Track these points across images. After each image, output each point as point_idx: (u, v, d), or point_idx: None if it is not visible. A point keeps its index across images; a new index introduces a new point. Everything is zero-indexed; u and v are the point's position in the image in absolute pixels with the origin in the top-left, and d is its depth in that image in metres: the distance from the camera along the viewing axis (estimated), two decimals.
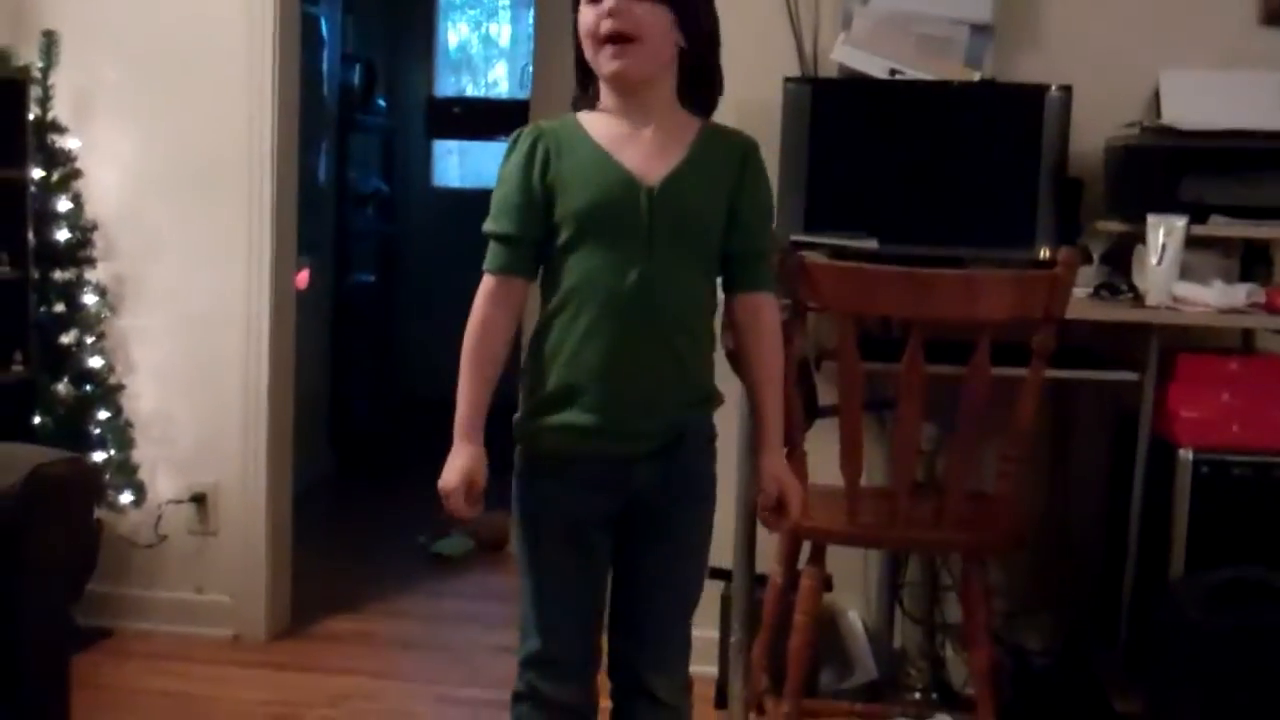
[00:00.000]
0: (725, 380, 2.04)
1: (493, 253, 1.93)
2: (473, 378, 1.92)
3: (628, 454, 1.91)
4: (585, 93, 1.94)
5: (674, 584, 2.00)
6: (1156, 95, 2.98)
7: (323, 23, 5.08)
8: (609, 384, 1.87)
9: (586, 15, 1.86)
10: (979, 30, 3.01)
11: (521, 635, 1.99)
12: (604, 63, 1.86)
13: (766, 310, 1.99)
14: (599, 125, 1.91)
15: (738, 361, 2.02)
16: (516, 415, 1.97)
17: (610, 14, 1.82)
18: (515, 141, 1.92)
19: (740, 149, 1.95)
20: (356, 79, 5.54)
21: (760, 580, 2.82)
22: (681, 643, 2.02)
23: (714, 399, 2.00)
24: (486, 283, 1.93)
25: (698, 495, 2.00)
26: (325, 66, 5.17)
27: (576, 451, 1.91)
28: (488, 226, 1.93)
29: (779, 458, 2.03)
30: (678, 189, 1.88)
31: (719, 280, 1.98)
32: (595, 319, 1.86)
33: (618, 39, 1.83)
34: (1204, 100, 2.90)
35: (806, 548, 2.56)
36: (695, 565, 2.03)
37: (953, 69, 2.98)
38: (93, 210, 3.39)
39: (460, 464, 1.91)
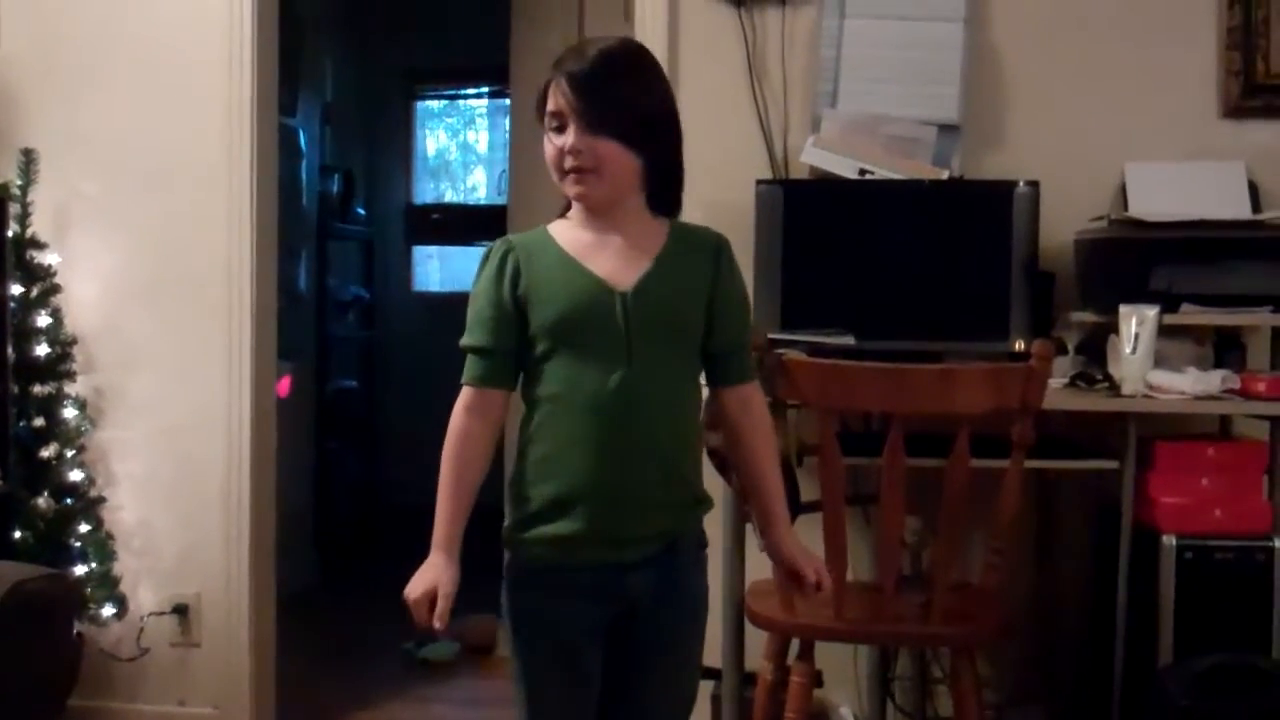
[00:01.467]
0: (709, 482, 2.04)
1: (470, 365, 1.94)
2: (451, 490, 1.91)
3: (620, 561, 1.89)
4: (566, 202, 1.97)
5: (669, 697, 1.98)
6: (1123, 188, 3.04)
7: (301, 134, 5.16)
8: (598, 490, 1.86)
9: (549, 147, 1.90)
10: (946, 130, 3.08)
11: None
12: (568, 188, 1.90)
13: (756, 399, 2.00)
14: (568, 235, 1.93)
15: (725, 459, 2.02)
16: (505, 524, 1.95)
17: (570, 151, 1.86)
18: (487, 256, 1.94)
19: (712, 245, 1.96)
20: (335, 188, 5.60)
21: (750, 678, 2.80)
22: None
23: (705, 502, 1.99)
24: (464, 395, 1.94)
25: (691, 608, 1.98)
26: (304, 176, 5.23)
27: (568, 561, 1.90)
28: (464, 340, 1.94)
29: (793, 534, 2.03)
30: (653, 291, 1.89)
31: (703, 377, 1.99)
32: (580, 425, 1.86)
33: (579, 170, 1.87)
34: (1169, 192, 2.96)
35: (795, 644, 2.55)
36: (689, 677, 2.02)
37: (921, 168, 3.03)
38: (72, 323, 3.40)
39: (428, 576, 1.89)
